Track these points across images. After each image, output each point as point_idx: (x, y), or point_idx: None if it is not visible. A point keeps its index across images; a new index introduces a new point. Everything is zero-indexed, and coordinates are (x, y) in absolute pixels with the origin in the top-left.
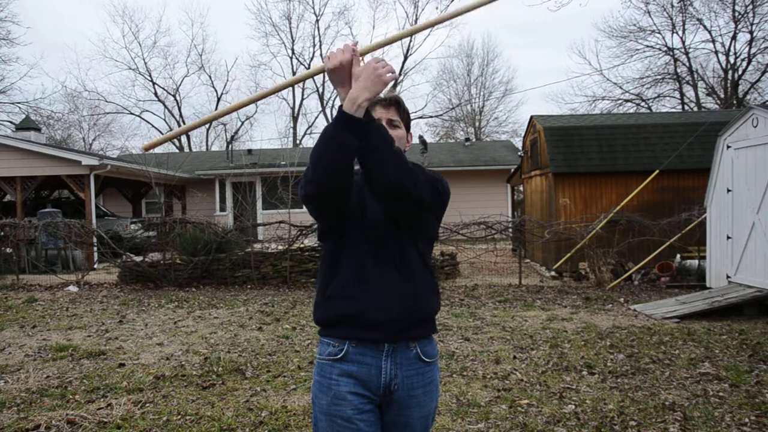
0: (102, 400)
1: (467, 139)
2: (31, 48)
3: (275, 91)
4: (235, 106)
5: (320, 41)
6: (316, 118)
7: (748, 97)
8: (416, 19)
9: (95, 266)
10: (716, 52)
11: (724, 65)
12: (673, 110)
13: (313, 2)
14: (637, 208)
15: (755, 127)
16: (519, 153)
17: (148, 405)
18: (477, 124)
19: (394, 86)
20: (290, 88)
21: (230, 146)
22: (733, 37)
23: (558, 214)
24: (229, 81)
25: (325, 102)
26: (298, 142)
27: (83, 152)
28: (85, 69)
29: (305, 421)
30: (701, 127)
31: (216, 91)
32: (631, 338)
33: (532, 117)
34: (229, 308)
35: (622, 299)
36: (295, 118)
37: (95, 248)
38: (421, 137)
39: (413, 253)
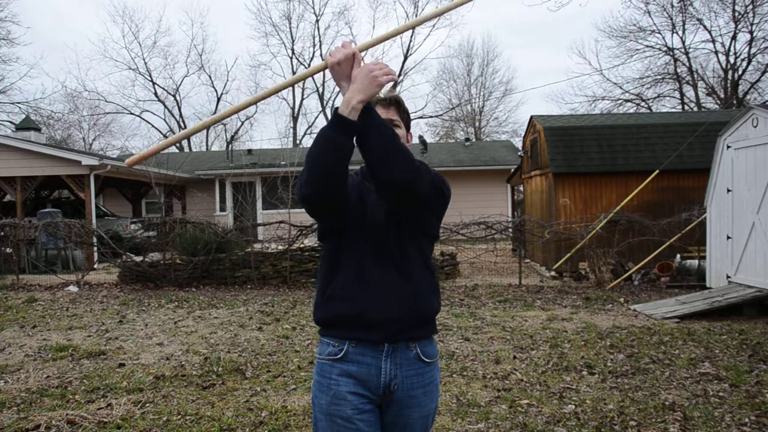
0: (102, 400)
1: (467, 139)
2: (31, 48)
3: (275, 91)
4: (234, 108)
5: (320, 41)
6: (316, 118)
7: (748, 97)
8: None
9: (95, 266)
10: (716, 52)
11: (724, 65)
12: (673, 110)
13: (313, 2)
14: (637, 208)
15: (755, 127)
16: (519, 153)
17: (148, 405)
18: (477, 124)
19: (394, 86)
20: (290, 88)
21: (230, 146)
22: (733, 37)
23: (558, 214)
24: (229, 81)
25: (325, 102)
26: (298, 142)
27: (83, 152)
28: (85, 69)
29: (305, 421)
30: (701, 127)
31: (216, 91)
32: (631, 338)
33: (532, 117)
34: (229, 308)
35: (622, 299)
36: (295, 118)
37: (95, 248)
38: (421, 137)
39: (413, 253)
